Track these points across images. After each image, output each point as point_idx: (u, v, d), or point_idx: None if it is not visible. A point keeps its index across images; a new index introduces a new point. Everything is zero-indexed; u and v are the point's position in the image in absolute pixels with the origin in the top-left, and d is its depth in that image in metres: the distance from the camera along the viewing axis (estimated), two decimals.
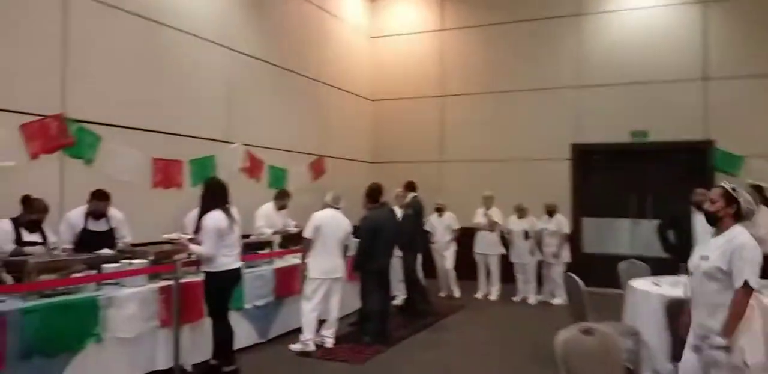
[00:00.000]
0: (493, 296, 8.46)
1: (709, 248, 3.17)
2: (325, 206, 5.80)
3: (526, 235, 8.23)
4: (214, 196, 4.64)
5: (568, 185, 9.58)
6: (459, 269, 8.59)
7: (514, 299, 8.35)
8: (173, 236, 4.63)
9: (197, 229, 4.58)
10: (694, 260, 3.25)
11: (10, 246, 4.46)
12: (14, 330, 3.50)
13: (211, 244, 4.49)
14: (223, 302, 4.69)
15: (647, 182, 9.19)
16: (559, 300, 8.14)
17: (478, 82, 10.27)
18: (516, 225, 8.32)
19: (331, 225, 5.62)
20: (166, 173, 6.48)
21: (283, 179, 8.42)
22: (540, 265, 8.32)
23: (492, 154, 10.06)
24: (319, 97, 9.47)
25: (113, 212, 5.21)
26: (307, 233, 5.54)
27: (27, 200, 4.66)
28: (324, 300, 5.61)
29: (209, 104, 7.23)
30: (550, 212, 8.23)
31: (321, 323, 5.71)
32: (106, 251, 4.75)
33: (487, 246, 8.44)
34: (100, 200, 5.02)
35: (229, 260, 4.63)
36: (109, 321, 4.09)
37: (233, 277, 4.71)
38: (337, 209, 5.78)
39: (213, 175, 6.48)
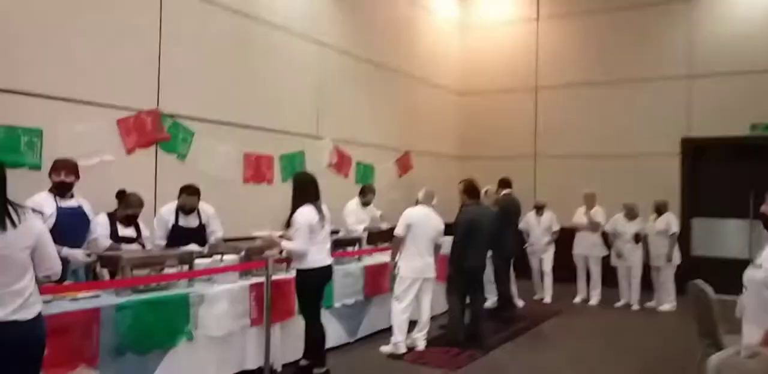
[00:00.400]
0: (594, 300, 7.90)
1: (763, 255, 2.76)
2: (418, 203, 5.54)
3: (637, 238, 7.58)
4: (305, 191, 4.48)
5: (677, 183, 8.84)
6: (555, 271, 8.07)
7: (617, 305, 7.76)
8: (264, 233, 4.51)
9: (288, 225, 4.43)
10: (747, 272, 2.79)
11: (106, 241, 4.49)
12: (108, 326, 3.46)
13: (303, 240, 4.33)
14: (315, 300, 4.53)
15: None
16: (667, 306, 7.50)
17: (576, 73, 9.67)
18: (625, 227, 7.65)
19: (424, 223, 5.34)
20: (257, 169, 6.43)
21: (370, 175, 8.25)
22: (646, 269, 7.68)
23: (592, 149, 9.44)
24: (407, 91, 9.22)
25: (204, 207, 5.16)
26: (399, 231, 5.29)
27: (123, 195, 4.68)
28: (415, 301, 5.35)
29: (299, 99, 7.14)
30: (660, 209, 7.58)
31: (412, 324, 5.45)
32: (193, 246, 4.67)
33: (588, 247, 7.89)
34: (189, 194, 4.97)
35: (320, 257, 4.46)
36: (200, 319, 4.00)
37: (325, 274, 4.53)
38: (430, 206, 5.49)
39: (303, 170, 6.37)
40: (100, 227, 4.50)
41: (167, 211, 5.01)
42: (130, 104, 5.21)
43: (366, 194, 7.07)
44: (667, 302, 7.53)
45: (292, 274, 4.63)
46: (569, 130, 9.65)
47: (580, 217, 7.97)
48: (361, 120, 8.15)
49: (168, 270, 4.14)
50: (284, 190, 6.71)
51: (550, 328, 6.57)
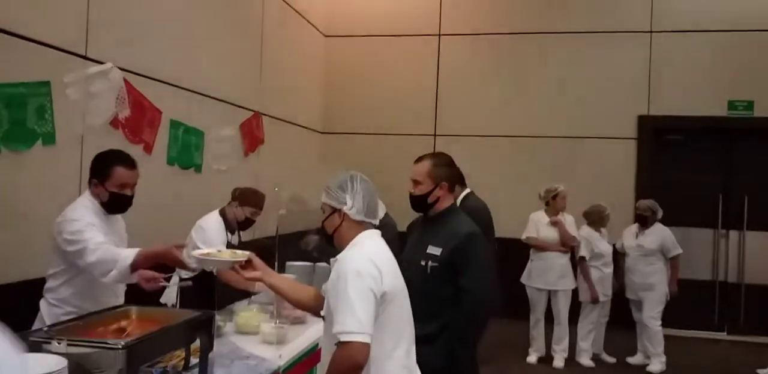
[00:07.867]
0: (558, 360, 5.01)
1: None
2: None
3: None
4: None
5: (631, 178, 6.40)
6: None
7: (632, 360, 5.15)
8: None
9: None
10: None
11: None
12: None
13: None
14: None
15: (747, 174, 6.27)
16: (658, 364, 4.92)
17: (490, 19, 6.75)
18: (600, 241, 5.04)
19: None
20: None
21: (195, 149, 4.42)
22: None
23: (511, 127, 6.66)
24: (257, 13, 5.49)
25: None
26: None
27: None
28: None
29: None
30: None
31: None
32: None
33: (555, 277, 4.95)
34: None
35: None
36: None
37: None
38: None
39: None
40: None
41: None
42: None
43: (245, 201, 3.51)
44: (655, 356, 4.96)
45: None
46: (479, 98, 6.76)
47: (540, 228, 5.02)
48: (179, 38, 4.22)
49: None
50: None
51: None
